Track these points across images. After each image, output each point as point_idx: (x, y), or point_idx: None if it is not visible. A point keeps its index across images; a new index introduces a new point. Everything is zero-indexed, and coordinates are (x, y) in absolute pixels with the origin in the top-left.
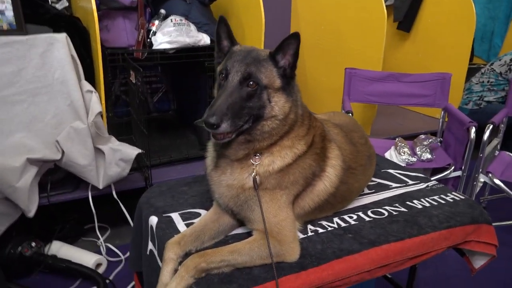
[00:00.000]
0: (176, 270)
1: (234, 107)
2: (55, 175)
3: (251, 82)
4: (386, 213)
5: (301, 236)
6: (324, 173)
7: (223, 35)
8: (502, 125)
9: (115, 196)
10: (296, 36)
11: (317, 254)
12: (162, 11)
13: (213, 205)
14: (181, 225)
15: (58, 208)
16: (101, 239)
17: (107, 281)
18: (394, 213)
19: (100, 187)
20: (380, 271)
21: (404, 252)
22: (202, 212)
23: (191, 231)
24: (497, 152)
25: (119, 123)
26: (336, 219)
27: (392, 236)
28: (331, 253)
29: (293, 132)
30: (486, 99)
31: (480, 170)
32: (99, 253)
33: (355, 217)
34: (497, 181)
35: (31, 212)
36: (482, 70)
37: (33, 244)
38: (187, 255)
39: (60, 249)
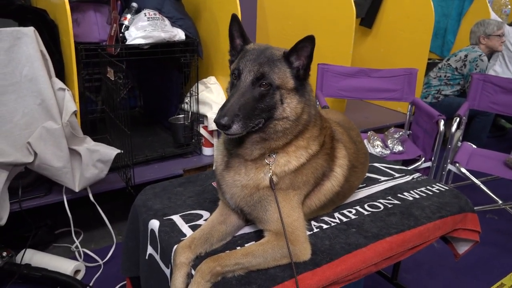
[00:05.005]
0: (188, 274)
1: (246, 108)
2: (25, 179)
3: (264, 83)
4: (382, 206)
5: (308, 233)
6: (332, 173)
7: (235, 34)
8: (464, 118)
9: (91, 199)
10: (311, 39)
11: (327, 250)
12: (134, 4)
13: (218, 206)
14: (185, 228)
15: (30, 214)
16: (78, 244)
17: (88, 287)
18: (389, 205)
19: (76, 190)
20: (384, 262)
21: (405, 243)
22: (203, 213)
23: (200, 234)
24: (459, 143)
25: (91, 121)
26: (337, 215)
27: (393, 228)
28: (340, 248)
29: (308, 132)
30: (443, 92)
31: (449, 160)
32: (74, 259)
33: (354, 211)
34: (463, 170)
35: (3, 220)
36: (439, 65)
37: (4, 253)
38: (197, 258)
39: (33, 257)
